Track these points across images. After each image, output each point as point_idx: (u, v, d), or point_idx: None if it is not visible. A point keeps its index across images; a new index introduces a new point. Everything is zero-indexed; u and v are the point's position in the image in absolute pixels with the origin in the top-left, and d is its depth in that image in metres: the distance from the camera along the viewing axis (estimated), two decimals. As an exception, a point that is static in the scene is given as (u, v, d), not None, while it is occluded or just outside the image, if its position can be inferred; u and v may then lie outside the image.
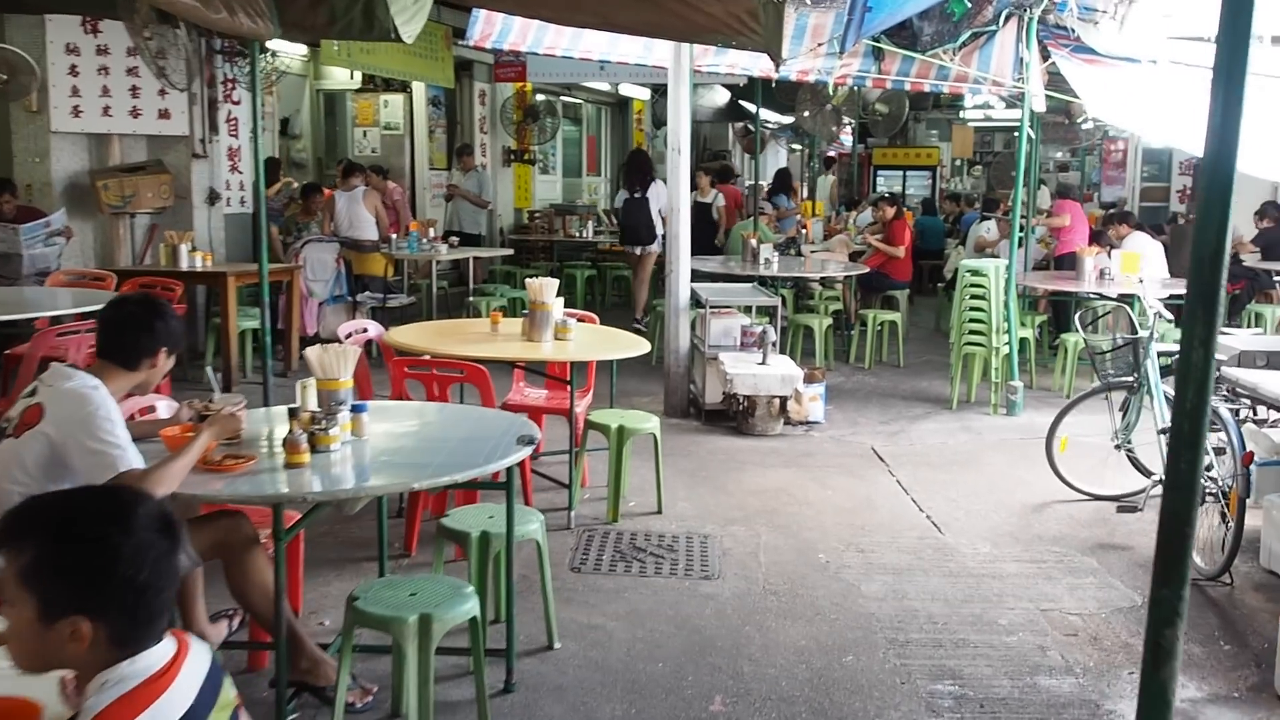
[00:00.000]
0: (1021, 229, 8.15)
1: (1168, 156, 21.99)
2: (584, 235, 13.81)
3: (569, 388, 5.55)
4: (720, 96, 20.49)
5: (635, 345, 5.73)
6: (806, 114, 14.45)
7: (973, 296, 8.07)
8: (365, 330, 6.04)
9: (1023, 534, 5.58)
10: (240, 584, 3.67)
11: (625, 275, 13.78)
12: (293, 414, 3.65)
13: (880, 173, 21.79)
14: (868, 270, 10.08)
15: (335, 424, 3.61)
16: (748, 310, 8.11)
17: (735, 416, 7.48)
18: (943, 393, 8.78)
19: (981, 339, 8.06)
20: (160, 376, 3.63)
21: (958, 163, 22.35)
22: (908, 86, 7.80)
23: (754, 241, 10.26)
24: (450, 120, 14.99)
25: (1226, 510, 4.71)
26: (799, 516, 5.79)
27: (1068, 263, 10.51)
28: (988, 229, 11.98)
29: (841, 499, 6.10)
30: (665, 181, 8.36)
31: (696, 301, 8.03)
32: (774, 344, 7.49)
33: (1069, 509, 5.96)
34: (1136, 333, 5.76)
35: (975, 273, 8.05)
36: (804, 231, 12.35)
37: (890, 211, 11.12)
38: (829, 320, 9.49)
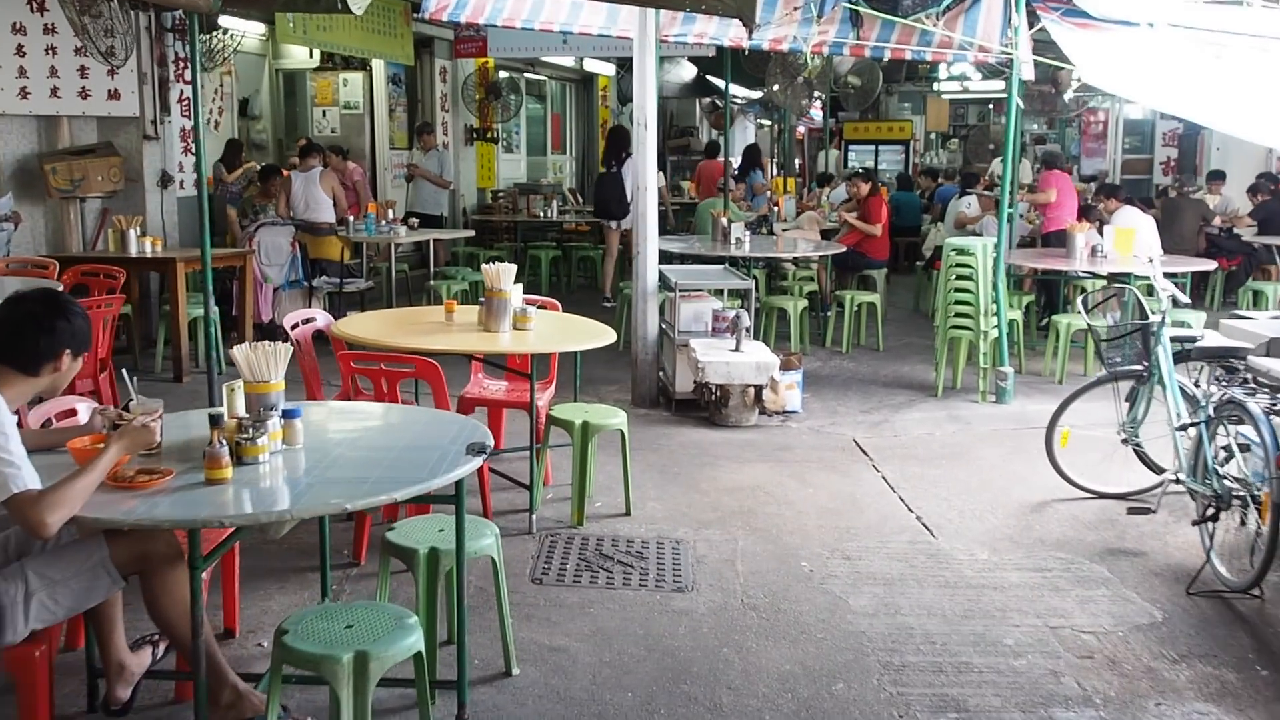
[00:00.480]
0: (1009, 205, 7.76)
1: (1150, 128, 21.71)
2: (548, 215, 13.35)
3: (529, 381, 5.12)
4: (687, 71, 20.04)
5: (600, 334, 5.31)
6: (776, 87, 14.04)
7: (958, 277, 7.69)
8: (313, 320, 5.59)
9: (1023, 538, 5.20)
10: (158, 605, 3.25)
11: (592, 256, 13.35)
12: (215, 422, 3.21)
13: (851, 147, 21.42)
14: (844, 250, 9.67)
15: (264, 432, 3.18)
16: (719, 294, 7.71)
17: (707, 407, 7.08)
18: (926, 379, 8.41)
19: (968, 322, 7.68)
20: (67, 380, 3.24)
21: (932, 136, 21.98)
22: (887, 55, 7.39)
23: (724, 220, 9.84)
24: (411, 99, 14.47)
25: (1258, 516, 4.30)
26: (779, 518, 5.39)
27: (1056, 240, 10.17)
28: (968, 205, 11.61)
29: (824, 498, 5.71)
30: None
31: (665, 285, 7.62)
32: (748, 330, 7.08)
33: (1072, 509, 5.59)
34: (1146, 317, 5.36)
35: (961, 251, 7.67)
36: (776, 209, 11.93)
37: (865, 188, 10.72)
38: (804, 302, 9.09)
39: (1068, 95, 14.42)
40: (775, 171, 17.14)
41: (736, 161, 14.52)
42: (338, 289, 9.18)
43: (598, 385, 7.94)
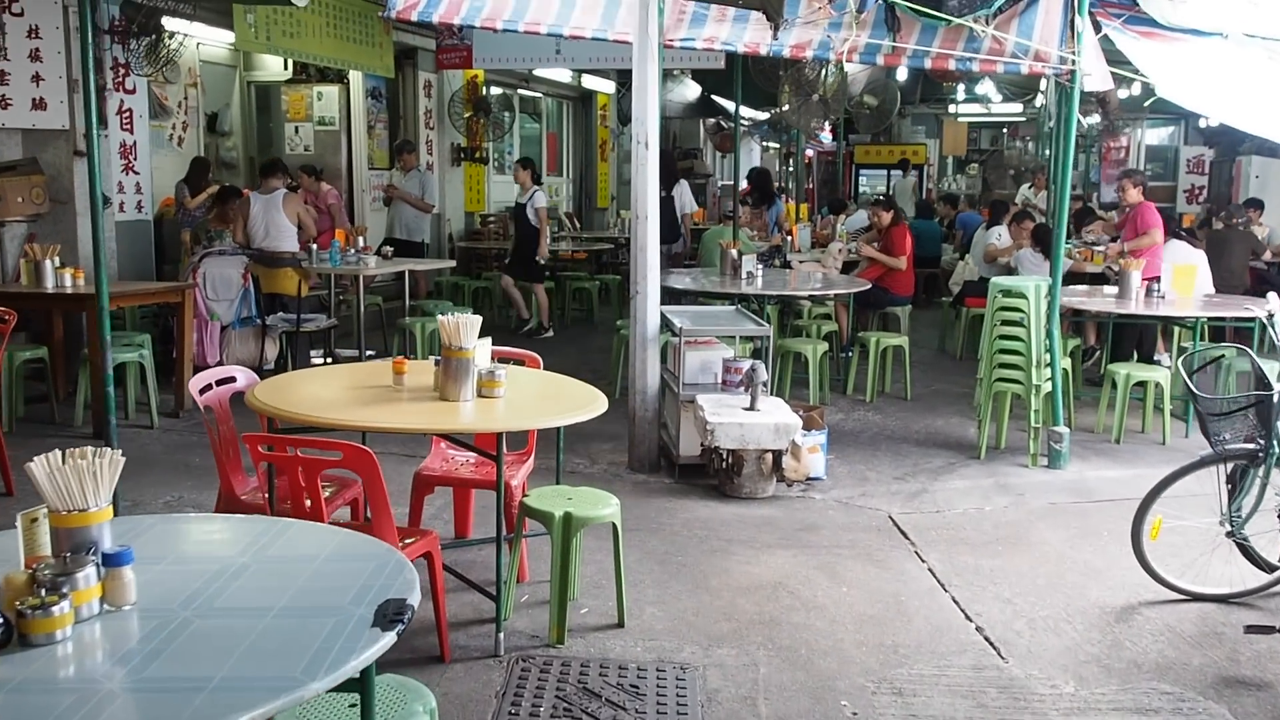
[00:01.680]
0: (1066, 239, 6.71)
1: (1173, 154, 20.73)
2: (539, 243, 12.28)
3: (495, 464, 4.05)
4: (691, 90, 19.06)
5: (586, 402, 4.25)
6: (787, 107, 13.03)
7: (1005, 322, 6.63)
8: (230, 380, 4.52)
9: (1114, 660, 4.12)
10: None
11: (586, 288, 12.30)
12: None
13: (862, 172, 20.41)
14: (868, 286, 8.60)
15: (66, 592, 2.12)
16: (730, 340, 6.64)
17: (717, 475, 6.01)
18: (964, 436, 7.35)
19: (1017, 375, 6.61)
20: None
21: (949, 160, 20.96)
22: (928, 63, 6.35)
23: (734, 252, 8.80)
24: (392, 115, 13.46)
25: None
26: (808, 630, 4.32)
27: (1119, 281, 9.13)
28: (998, 236, 10.57)
29: (861, 600, 4.63)
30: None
31: (668, 328, 6.56)
32: (765, 384, 6.01)
33: (1166, 616, 4.51)
34: (1264, 384, 4.30)
35: (1009, 293, 6.61)
36: (789, 239, 10.89)
37: (887, 217, 9.69)
38: (823, 346, 8.03)
39: (1090, 119, 13.46)
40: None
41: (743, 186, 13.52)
42: (294, 328, 8.11)
43: (589, 442, 6.88)
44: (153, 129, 11.91)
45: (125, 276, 8.94)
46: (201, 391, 4.32)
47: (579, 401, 4.24)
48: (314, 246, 8.98)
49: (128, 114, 9.13)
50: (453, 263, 10.41)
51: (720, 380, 6.36)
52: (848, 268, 10.44)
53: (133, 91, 9.17)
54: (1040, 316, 6.52)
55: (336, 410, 3.91)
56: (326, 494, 4.33)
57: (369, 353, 9.43)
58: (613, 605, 4.40)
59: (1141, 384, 7.37)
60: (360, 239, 9.50)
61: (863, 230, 11.74)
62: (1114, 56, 6.46)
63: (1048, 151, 20.50)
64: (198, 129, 13.20)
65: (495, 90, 15.75)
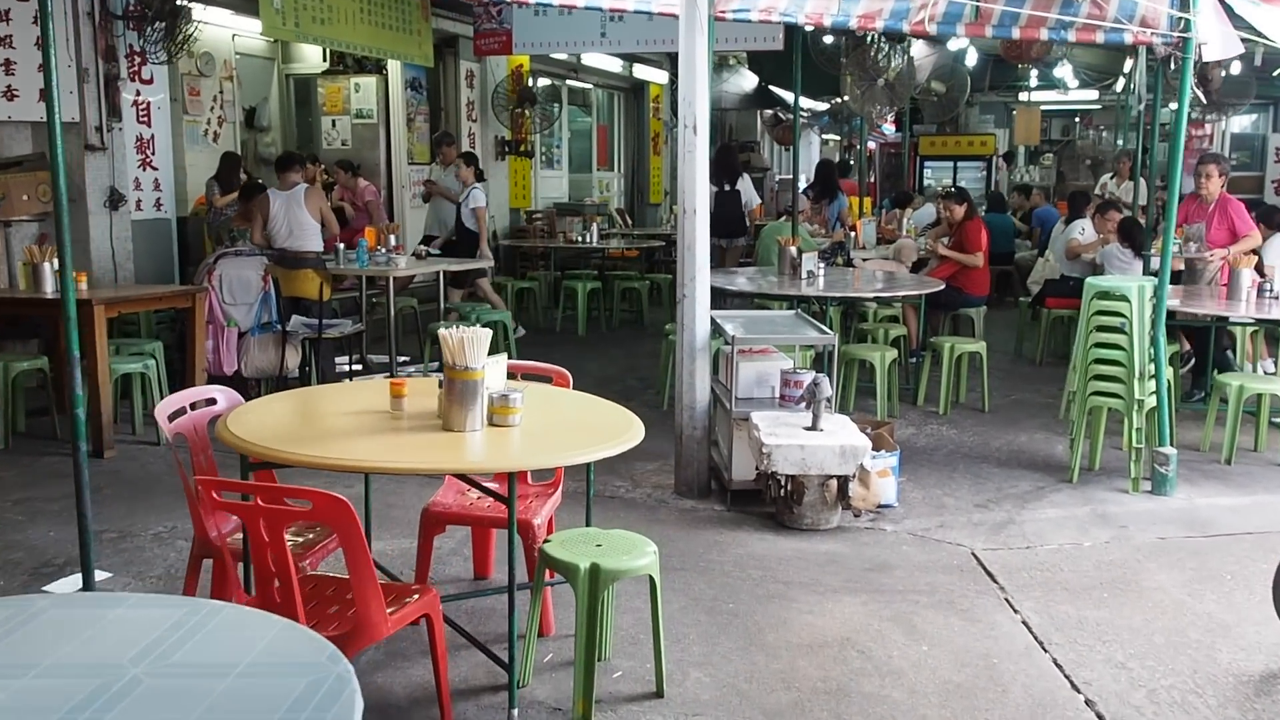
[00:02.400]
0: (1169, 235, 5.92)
1: (1260, 143, 19.64)
2: (586, 240, 11.62)
3: (507, 506, 3.38)
4: (747, 81, 18.37)
5: (619, 431, 3.56)
6: (850, 95, 12.26)
7: (1104, 329, 5.85)
8: (212, 401, 3.90)
9: (1262, 751, 3.38)
10: None
11: (635, 287, 11.62)
12: None
13: (928, 164, 19.51)
14: (941, 286, 7.81)
15: None
16: (789, 349, 5.93)
17: (774, 503, 5.31)
18: (1051, 455, 6.58)
19: (1117, 388, 5.83)
20: None
21: (1023, 150, 19.95)
22: (1016, 32, 5.59)
23: (793, 249, 8.08)
24: (433, 106, 12.87)
25: None
26: (882, 703, 3.60)
27: (1185, 274, 8.31)
28: (1080, 230, 9.72)
29: (945, 663, 3.91)
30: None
31: (719, 333, 5.86)
32: (829, 400, 5.29)
33: (1320, 691, 3.75)
34: None
35: (1107, 295, 5.83)
36: (853, 235, 10.12)
37: (960, 211, 8.91)
38: (892, 353, 7.28)
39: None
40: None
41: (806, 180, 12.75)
42: (316, 334, 7.51)
43: (631, 462, 6.20)
44: (187, 124, 11.47)
45: (144, 279, 8.43)
46: (173, 417, 3.70)
47: (610, 430, 3.55)
48: (340, 246, 8.39)
49: (144, 105, 8.60)
50: (489, 262, 9.78)
51: (778, 395, 5.65)
52: (916, 266, 9.67)
53: (150, 81, 8.64)
54: (1144, 322, 5.73)
55: (317, 444, 3.27)
56: (308, 538, 3.70)
57: (402, 359, 8.84)
58: (651, 666, 3.72)
59: (1255, 396, 6.55)
60: (392, 237, 8.90)
61: (931, 225, 10.96)
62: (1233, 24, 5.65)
63: (1121, 140, 19.50)
64: (234, 124, 12.74)
65: (543, 81, 15.14)
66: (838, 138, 21.53)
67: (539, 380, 4.44)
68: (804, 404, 5.35)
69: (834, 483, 5.18)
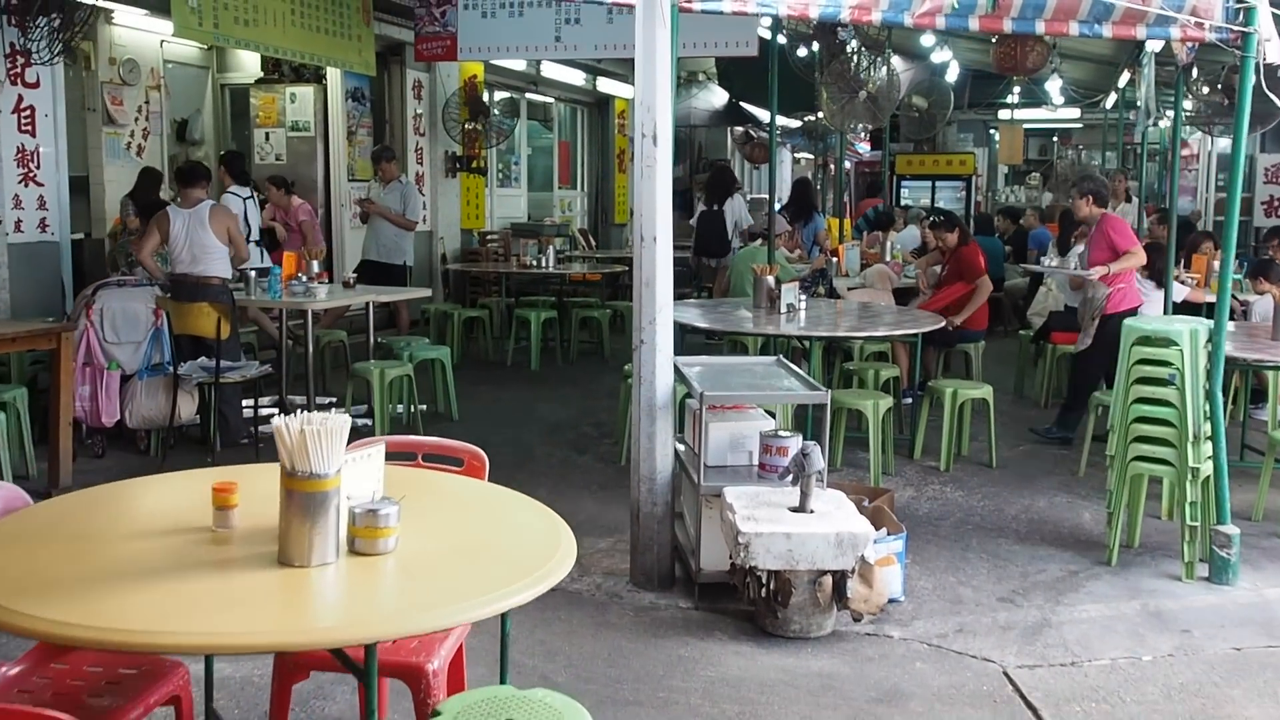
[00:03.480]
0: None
1: (1249, 163, 18.85)
2: (541, 265, 10.56)
3: (364, 689, 2.31)
4: (717, 97, 17.41)
5: (538, 559, 2.48)
6: (826, 110, 11.29)
7: (1147, 381, 4.84)
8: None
9: None
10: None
11: (595, 316, 10.57)
12: None
13: (904, 183, 18.57)
14: (940, 324, 6.79)
15: None
16: (769, 404, 4.90)
17: (754, 602, 4.26)
18: (1077, 525, 5.58)
19: (1165, 453, 4.82)
20: None
21: (1005, 171, 19.02)
22: (1040, 28, 4.61)
23: (770, 279, 7.06)
24: (377, 119, 11.80)
25: None
26: None
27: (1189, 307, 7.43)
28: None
29: None
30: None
31: (685, 384, 4.82)
32: (820, 474, 4.25)
33: None
34: None
35: (1154, 340, 4.83)
36: (835, 261, 9.11)
37: (952, 239, 7.97)
38: (887, 402, 6.26)
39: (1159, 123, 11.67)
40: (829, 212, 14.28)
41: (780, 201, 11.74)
42: (211, 379, 6.41)
43: (581, 532, 5.14)
44: (108, 136, 10.41)
45: (22, 312, 7.30)
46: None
47: (527, 557, 2.48)
48: (253, 274, 7.30)
49: (28, 112, 7.49)
50: (427, 291, 8.69)
51: (757, 462, 4.62)
52: (901, 296, 8.68)
53: (35, 85, 7.53)
54: (1198, 373, 4.74)
55: (70, 597, 2.19)
56: (105, 704, 2.62)
57: (327, 400, 7.77)
58: None
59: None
60: (314, 263, 7.82)
61: (917, 251, 9.98)
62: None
63: (1099, 159, 18.63)
64: (161, 137, 11.63)
65: (500, 94, 14.11)
66: (811, 156, 20.59)
67: (449, 462, 3.40)
68: (790, 479, 4.31)
69: (828, 580, 4.14)
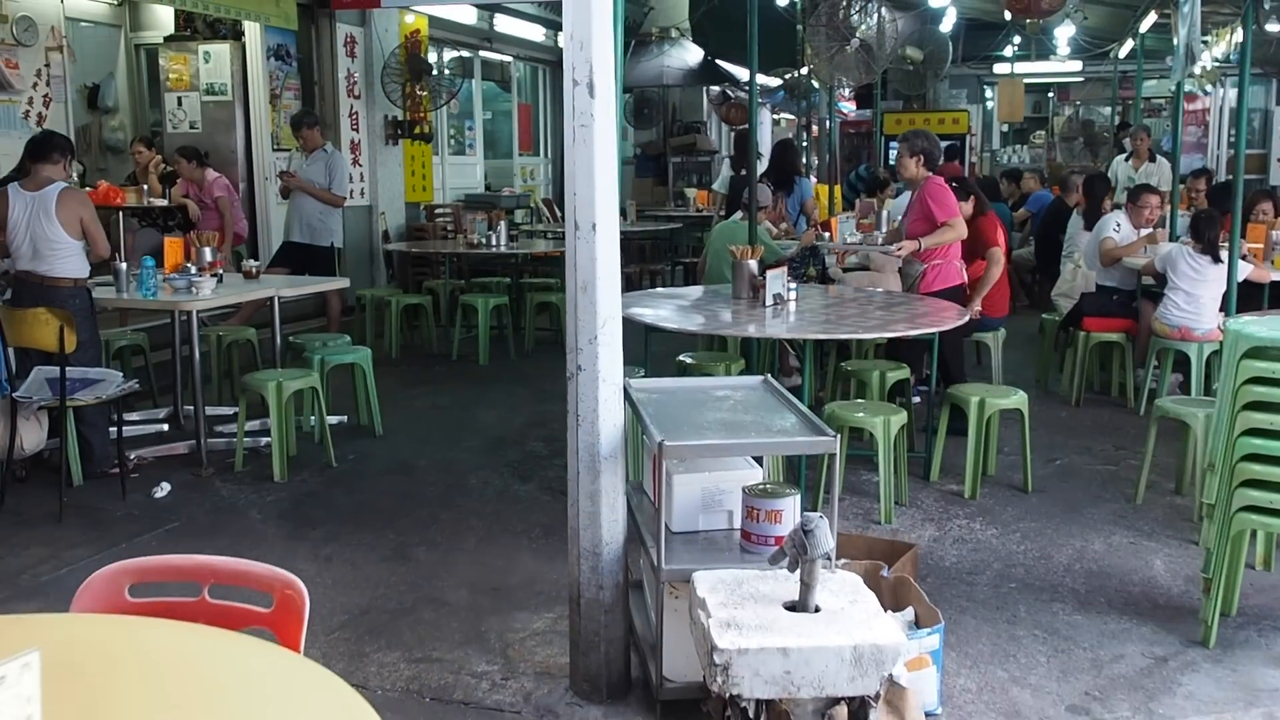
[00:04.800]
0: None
1: (1264, 117, 17.65)
2: (490, 243, 9.26)
3: None
4: (691, 55, 16.09)
5: None
6: (813, 63, 10.00)
7: (1263, 406, 3.61)
8: None
9: None
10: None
11: (553, 301, 9.29)
12: None
13: (892, 144, 17.29)
14: (965, 319, 5.52)
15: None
16: (756, 456, 3.63)
17: (738, 736, 3.03)
18: (1149, 578, 4.37)
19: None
20: None
21: (1004, 129, 17.69)
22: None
23: (753, 263, 5.81)
24: (305, 81, 10.44)
25: None
26: None
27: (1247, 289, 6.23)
28: (1115, 227, 7.53)
29: None
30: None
31: (636, 415, 3.55)
32: (829, 556, 3.01)
33: None
34: None
35: (1270, 353, 3.59)
36: (826, 236, 7.84)
37: (966, 209, 6.72)
38: (899, 418, 5.02)
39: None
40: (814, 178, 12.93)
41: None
42: (55, 403, 5.12)
43: (508, 613, 3.94)
44: (0, 104, 9.14)
45: None
46: None
47: None
48: (124, 267, 6.01)
49: None
50: (344, 281, 7.35)
51: (738, 529, 3.38)
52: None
53: None
54: (1333, 395, 3.51)
55: None
56: None
57: (230, 411, 6.51)
58: None
59: None
60: (206, 250, 6.52)
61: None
62: None
63: (1099, 116, 17.36)
64: (66, 104, 10.30)
65: (450, 54, 12.75)
66: (793, 116, 19.28)
67: (254, 599, 2.16)
68: (784, 562, 3.07)
69: (842, 711, 2.91)
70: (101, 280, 6.23)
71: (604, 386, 3.37)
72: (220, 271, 6.47)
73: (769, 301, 5.51)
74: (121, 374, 5.58)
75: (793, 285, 5.69)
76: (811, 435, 3.29)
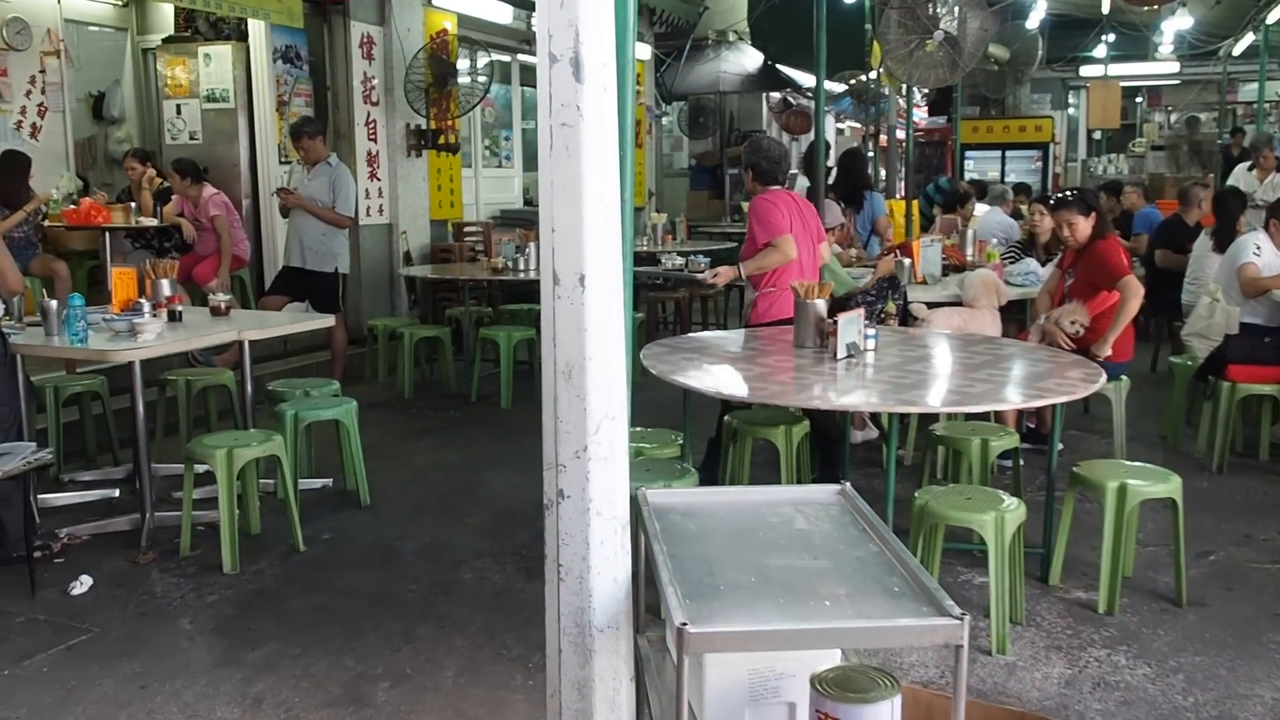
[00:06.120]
0: None
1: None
2: (519, 268, 8.14)
3: None
4: (749, 59, 14.95)
5: None
6: (890, 61, 8.77)
7: None
8: None
9: None
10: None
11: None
12: None
13: (968, 154, 15.97)
14: (1103, 380, 4.28)
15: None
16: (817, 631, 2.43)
17: None
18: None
19: None
20: None
21: (1099, 136, 16.26)
22: None
23: (820, 304, 4.61)
24: (318, 86, 9.40)
25: None
26: None
27: None
28: (1255, 250, 6.25)
29: None
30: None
31: (652, 573, 2.36)
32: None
33: None
34: None
35: None
36: (906, 264, 6.59)
37: (1084, 226, 5.53)
38: (1017, 512, 3.80)
39: None
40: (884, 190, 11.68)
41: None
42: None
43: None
44: (-11, 114, 8.27)
45: None
46: None
47: None
48: (53, 305, 4.95)
49: None
50: (328, 320, 6.20)
51: (805, 741, 2.19)
52: (1010, 315, 6.18)
53: None
54: None
55: None
56: None
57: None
58: None
59: None
60: (164, 283, 5.45)
61: (1019, 246, 7.48)
62: None
63: (1225, 118, 15.87)
64: (65, 114, 9.45)
65: (483, 58, 11.67)
66: (859, 125, 18.02)
67: None
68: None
69: None
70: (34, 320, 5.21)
71: (598, 522, 2.21)
72: (179, 308, 5.40)
73: (841, 353, 4.31)
74: (34, 444, 4.50)
75: (871, 332, 4.48)
76: (924, 616, 2.08)
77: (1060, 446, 4.94)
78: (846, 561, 2.36)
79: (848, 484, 2.82)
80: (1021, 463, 5.02)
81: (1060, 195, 6.13)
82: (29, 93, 9.00)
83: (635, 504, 2.46)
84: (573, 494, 2.21)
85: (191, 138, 9.16)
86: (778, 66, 14.93)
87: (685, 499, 2.71)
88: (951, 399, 3.89)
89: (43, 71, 9.13)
